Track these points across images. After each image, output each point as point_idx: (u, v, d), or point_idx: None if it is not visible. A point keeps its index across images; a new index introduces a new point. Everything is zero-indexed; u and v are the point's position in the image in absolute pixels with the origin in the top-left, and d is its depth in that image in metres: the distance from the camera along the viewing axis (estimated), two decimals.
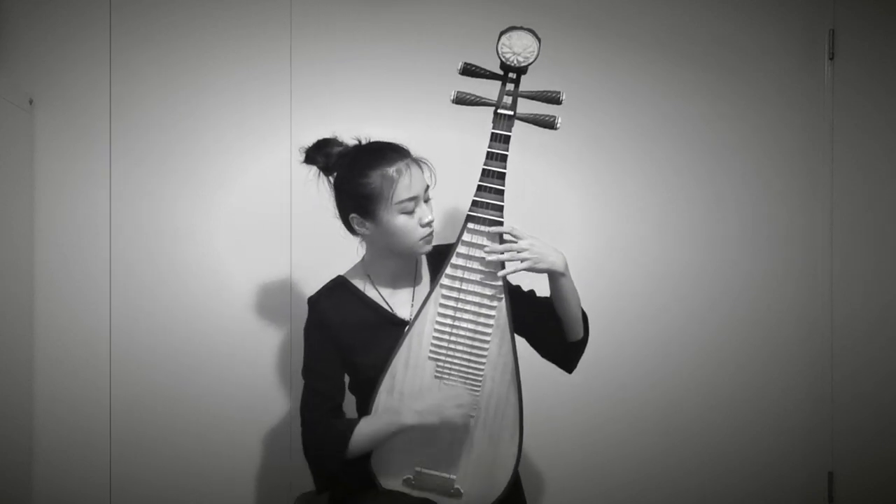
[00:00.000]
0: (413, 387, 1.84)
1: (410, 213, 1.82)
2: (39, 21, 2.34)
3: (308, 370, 1.90)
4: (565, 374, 2.02)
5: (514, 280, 1.94)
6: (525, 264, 1.81)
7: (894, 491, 2.62)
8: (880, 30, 2.64)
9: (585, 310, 1.97)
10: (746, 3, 2.61)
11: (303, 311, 1.93)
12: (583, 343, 1.98)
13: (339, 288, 1.94)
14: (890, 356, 2.62)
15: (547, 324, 1.95)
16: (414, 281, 1.96)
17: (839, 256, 2.63)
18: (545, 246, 1.84)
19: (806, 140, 2.63)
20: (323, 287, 1.95)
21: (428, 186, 1.87)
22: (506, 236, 1.84)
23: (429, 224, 1.85)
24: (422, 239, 1.85)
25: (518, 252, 1.81)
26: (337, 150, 1.89)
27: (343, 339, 1.88)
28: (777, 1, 2.62)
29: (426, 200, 1.86)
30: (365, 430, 1.83)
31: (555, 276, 1.86)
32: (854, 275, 2.63)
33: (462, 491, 1.86)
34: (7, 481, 2.19)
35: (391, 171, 1.80)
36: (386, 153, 1.83)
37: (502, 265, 1.84)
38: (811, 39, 2.63)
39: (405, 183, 1.80)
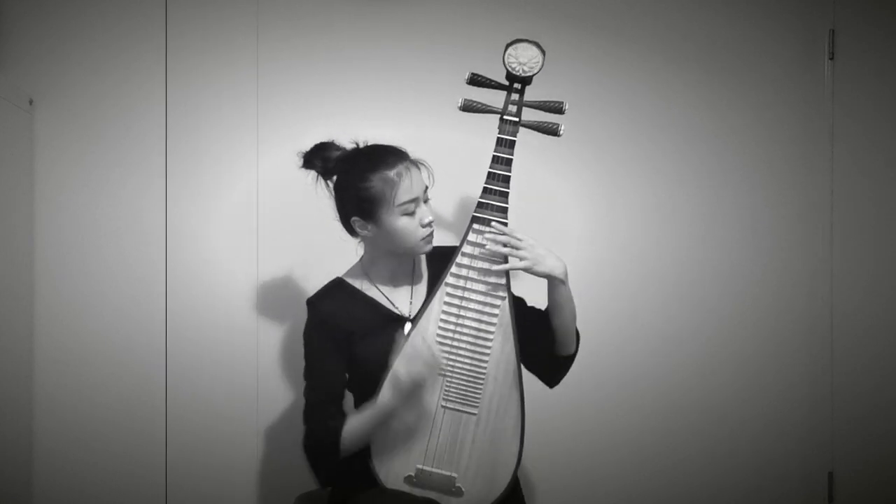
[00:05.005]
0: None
1: (411, 214, 1.85)
2: (39, 21, 2.34)
3: (310, 372, 1.91)
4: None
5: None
6: (523, 263, 1.82)
7: (894, 491, 2.62)
8: (880, 30, 2.65)
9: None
10: (746, 4, 2.62)
11: (301, 311, 1.94)
12: (571, 359, 1.99)
13: (337, 288, 1.95)
14: (890, 356, 2.63)
15: (536, 333, 1.94)
16: (412, 279, 1.97)
17: (839, 256, 2.63)
18: (546, 250, 1.85)
19: (806, 140, 2.64)
20: (321, 288, 1.96)
21: (427, 187, 1.89)
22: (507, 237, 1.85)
23: (429, 224, 1.87)
24: (422, 239, 1.87)
25: (517, 249, 1.82)
26: (335, 154, 1.91)
27: (343, 337, 1.88)
28: (777, 1, 2.63)
29: (425, 201, 1.89)
30: (353, 423, 1.83)
31: (554, 283, 1.87)
32: (854, 275, 2.63)
33: (463, 489, 1.86)
34: (7, 481, 2.19)
35: (391, 174, 1.83)
36: (385, 156, 1.85)
37: (503, 260, 1.84)
38: (811, 39, 2.64)
39: (406, 185, 1.83)
